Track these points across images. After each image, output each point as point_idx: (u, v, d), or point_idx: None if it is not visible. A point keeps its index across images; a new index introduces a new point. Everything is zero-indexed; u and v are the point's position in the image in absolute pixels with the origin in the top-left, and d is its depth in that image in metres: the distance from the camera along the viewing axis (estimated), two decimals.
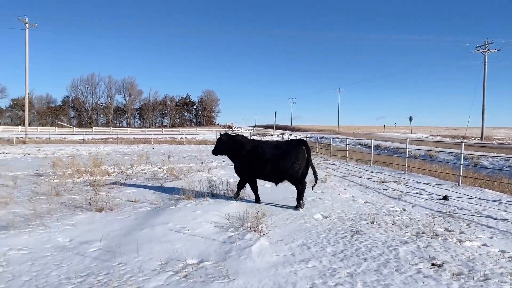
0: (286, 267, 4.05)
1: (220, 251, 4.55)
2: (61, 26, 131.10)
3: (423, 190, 9.47)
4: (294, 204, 7.20)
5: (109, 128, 63.02)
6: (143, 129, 61.59)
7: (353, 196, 8.41)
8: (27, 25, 30.84)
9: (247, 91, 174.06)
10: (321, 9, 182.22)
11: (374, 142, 24.60)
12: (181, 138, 37.54)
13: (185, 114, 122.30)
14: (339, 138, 30.54)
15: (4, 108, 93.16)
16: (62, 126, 76.88)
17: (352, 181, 10.89)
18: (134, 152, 22.97)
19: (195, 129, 62.42)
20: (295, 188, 7.09)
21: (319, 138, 33.17)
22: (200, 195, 7.76)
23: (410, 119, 51.21)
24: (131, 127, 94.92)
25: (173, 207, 6.78)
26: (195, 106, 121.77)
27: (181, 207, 6.73)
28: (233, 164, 7.92)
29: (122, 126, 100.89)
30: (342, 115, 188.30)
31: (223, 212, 6.42)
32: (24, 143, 30.55)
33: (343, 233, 5.42)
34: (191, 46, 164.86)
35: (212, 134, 46.78)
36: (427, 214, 6.73)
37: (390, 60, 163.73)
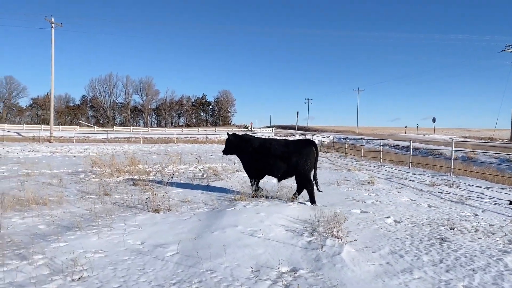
0: (392, 279, 3.70)
1: (308, 258, 4.23)
2: (78, 25, 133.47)
3: (481, 193, 8.98)
4: (357, 209, 6.93)
5: (129, 127, 63.58)
6: (163, 129, 62.01)
7: (412, 200, 8.02)
8: (53, 24, 31.22)
9: (262, 91, 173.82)
10: (341, 9, 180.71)
11: (404, 143, 23.98)
12: (203, 137, 37.63)
13: (201, 114, 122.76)
14: (364, 139, 29.89)
15: (25, 107, 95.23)
16: (83, 125, 78.09)
17: (401, 184, 10.48)
18: (159, 152, 23.16)
19: (214, 129, 62.52)
20: (304, 191, 7.31)
21: (343, 138, 32.61)
22: (251, 195, 7.58)
23: (434, 120, 50.03)
24: (148, 127, 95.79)
25: (232, 208, 6.55)
26: (211, 106, 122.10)
27: (241, 209, 6.50)
28: None
29: (139, 126, 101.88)
30: (359, 116, 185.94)
31: (286, 215, 6.17)
32: (49, 142, 30.97)
33: (428, 240, 5.04)
34: (207, 46, 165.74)
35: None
36: (505, 220, 6.27)
37: (410, 61, 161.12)
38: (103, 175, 10.66)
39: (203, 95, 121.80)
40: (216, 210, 6.55)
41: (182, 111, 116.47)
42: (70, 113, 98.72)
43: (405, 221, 6.10)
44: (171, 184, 9.13)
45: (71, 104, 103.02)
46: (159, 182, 9.52)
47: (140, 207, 6.71)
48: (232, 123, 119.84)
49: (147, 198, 6.67)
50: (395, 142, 25.95)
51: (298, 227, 5.54)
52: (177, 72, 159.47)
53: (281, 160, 7.25)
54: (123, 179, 10.13)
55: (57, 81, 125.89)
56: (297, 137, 38.13)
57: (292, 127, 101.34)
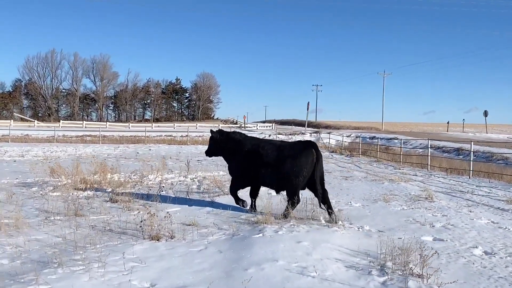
0: None
1: None
2: None
3: None
4: (427, 236, 6.86)
5: (79, 122, 62.94)
6: (126, 124, 61.43)
7: (493, 222, 7.97)
8: None
9: (254, 75, 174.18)
10: None
11: (453, 145, 24.04)
12: (182, 136, 37.32)
13: (174, 104, 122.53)
14: (397, 138, 29.94)
15: None
16: (17, 119, 76.98)
17: (469, 200, 10.44)
18: (127, 155, 23.19)
19: (195, 124, 62.04)
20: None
21: (369, 138, 32.70)
22: (276, 216, 7.49)
23: (485, 114, 50.33)
24: (106, 121, 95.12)
25: (260, 235, 6.39)
26: (187, 94, 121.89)
27: (273, 236, 6.35)
28: None
29: (92, 120, 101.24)
30: (379, 107, 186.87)
31: (338, 245, 6.03)
32: None
33: None
34: (182, 16, 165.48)
35: None
36: None
37: (449, 39, 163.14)
38: (64, 188, 10.41)
39: (177, 79, 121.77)
40: (237, 237, 6.39)
41: (149, 101, 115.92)
42: None
43: (499, 252, 5.99)
44: (163, 199, 8.90)
45: None
46: (145, 197, 9.35)
47: (130, 233, 6.52)
48: (215, 117, 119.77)
49: (142, 221, 6.41)
50: (441, 143, 26.03)
51: (360, 261, 5.38)
52: (141, 48, 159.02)
53: (273, 167, 7.68)
54: (93, 193, 9.95)
55: None
56: (307, 136, 38.17)
57: (294, 122, 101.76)
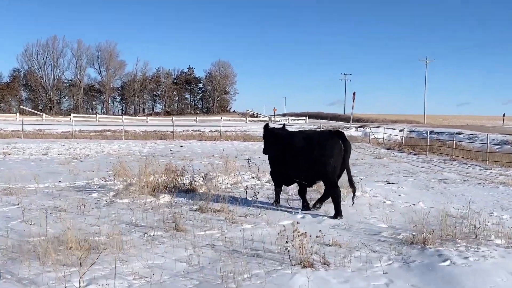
0: None
1: None
2: None
3: None
4: None
5: (93, 115, 62.85)
6: (144, 118, 61.14)
7: None
8: None
9: (271, 64, 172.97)
10: None
11: None
12: (211, 131, 36.75)
13: (187, 96, 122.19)
14: (462, 133, 28.75)
15: None
16: (25, 112, 77.02)
17: None
18: (161, 152, 22.77)
19: (220, 117, 61.71)
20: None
21: (426, 133, 31.52)
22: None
23: None
24: (110, 114, 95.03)
25: (446, 262, 5.52)
26: (201, 85, 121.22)
27: (468, 264, 5.43)
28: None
29: (97, 112, 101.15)
30: (415, 98, 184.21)
31: None
32: None
33: None
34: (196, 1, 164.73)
35: (252, 126, 45.68)
36: None
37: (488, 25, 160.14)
38: (129, 193, 9.66)
39: (190, 68, 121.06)
40: (415, 264, 5.50)
41: (159, 92, 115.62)
42: None
43: None
44: (262, 208, 8.43)
45: None
46: (237, 204, 8.71)
47: (267, 256, 5.69)
48: (232, 110, 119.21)
49: (288, 242, 5.43)
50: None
51: None
52: (151, 35, 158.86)
53: (303, 158, 8.31)
54: (171, 200, 9.36)
55: None
56: (353, 131, 37.14)
57: (320, 116, 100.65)
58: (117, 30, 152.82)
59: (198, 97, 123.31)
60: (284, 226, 5.97)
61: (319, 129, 30.51)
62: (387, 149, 28.00)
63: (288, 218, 7.88)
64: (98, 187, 10.90)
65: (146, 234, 6.56)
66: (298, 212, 8.31)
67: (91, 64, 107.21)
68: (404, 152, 25.62)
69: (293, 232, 5.51)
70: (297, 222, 6.08)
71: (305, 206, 8.67)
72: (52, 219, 7.19)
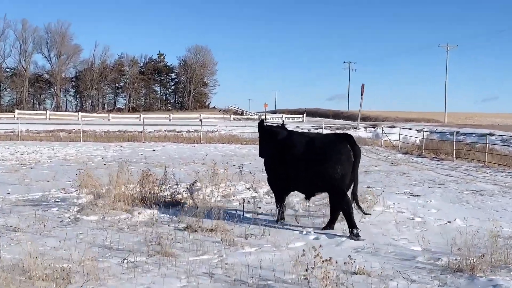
0: None
1: None
2: None
3: None
4: None
5: (43, 112, 62.27)
6: (106, 114, 60.85)
7: None
8: None
9: (257, 52, 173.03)
10: None
11: None
12: (189, 132, 36.80)
13: (157, 88, 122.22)
14: (494, 134, 28.92)
15: None
16: None
17: None
18: (129, 158, 22.48)
19: (198, 114, 61.60)
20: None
21: (451, 134, 31.79)
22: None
23: None
24: (62, 110, 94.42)
25: None
26: (173, 75, 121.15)
27: None
28: None
29: (46, 108, 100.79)
30: (428, 93, 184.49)
31: None
32: None
33: None
34: None
35: (238, 125, 45.59)
36: None
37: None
38: (94, 206, 9.66)
39: (160, 55, 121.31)
40: None
41: (122, 84, 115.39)
42: None
43: None
44: (264, 227, 8.41)
45: None
46: (233, 220, 8.69)
47: (275, 286, 5.67)
48: (212, 106, 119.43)
49: (307, 269, 5.33)
50: None
51: None
52: (111, 13, 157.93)
53: (304, 166, 8.50)
54: (151, 216, 9.33)
55: None
56: (361, 132, 37.30)
57: (317, 113, 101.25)
58: (71, 8, 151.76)
59: (170, 90, 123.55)
60: (303, 250, 5.80)
61: (318, 131, 30.68)
62: (404, 153, 28.22)
63: (298, 239, 7.91)
64: (57, 200, 10.86)
65: (125, 260, 6.46)
66: (310, 233, 8.27)
67: (38, 49, 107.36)
68: (425, 157, 25.85)
69: (314, 257, 5.42)
70: (320, 246, 5.95)
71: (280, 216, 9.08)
72: (5, 241, 7.05)
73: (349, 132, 36.20)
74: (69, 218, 9.12)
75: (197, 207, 9.60)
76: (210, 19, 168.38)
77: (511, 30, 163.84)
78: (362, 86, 42.65)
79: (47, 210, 9.70)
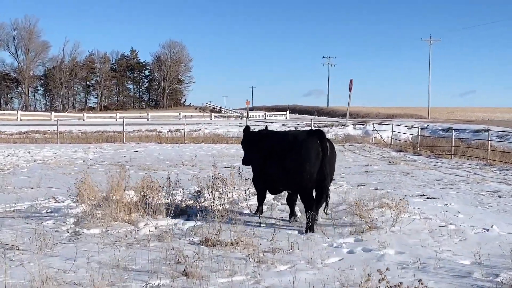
0: None
1: None
2: None
3: None
4: None
5: (13, 112, 61.02)
6: (80, 114, 59.90)
7: None
8: None
9: (232, 46, 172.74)
10: None
11: None
12: (170, 131, 36.58)
13: (129, 86, 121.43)
14: (488, 130, 28.83)
15: None
16: None
17: None
18: (111, 160, 22.59)
19: (178, 113, 61.25)
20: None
21: (443, 130, 31.65)
22: None
23: None
24: (30, 110, 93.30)
25: None
26: (147, 72, 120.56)
27: None
28: None
29: (13, 108, 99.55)
30: (409, 88, 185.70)
31: None
32: None
33: None
34: None
35: (221, 124, 45.02)
36: None
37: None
38: (93, 217, 9.06)
39: (133, 51, 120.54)
40: None
41: (93, 81, 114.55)
42: None
43: None
44: (286, 240, 7.72)
45: None
46: (247, 229, 8.36)
47: None
48: (188, 103, 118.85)
49: None
50: None
51: None
52: (82, 8, 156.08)
53: (278, 164, 8.91)
54: (159, 228, 8.82)
55: None
56: (350, 129, 37.06)
57: (297, 109, 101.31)
58: (39, 3, 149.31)
59: (143, 88, 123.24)
60: (368, 275, 5.13)
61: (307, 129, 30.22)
62: (398, 151, 28.12)
63: (332, 253, 7.34)
64: (49, 211, 10.33)
65: (147, 285, 5.71)
66: (341, 246, 7.63)
67: (4, 46, 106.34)
68: (421, 155, 25.84)
69: (379, 281, 4.78)
70: (387, 269, 5.27)
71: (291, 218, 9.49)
72: (5, 262, 6.33)
73: (338, 129, 36.27)
74: (68, 232, 8.53)
75: (206, 216, 9.04)
76: (184, 14, 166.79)
77: (486, 24, 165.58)
78: (351, 81, 42.47)
79: (41, 223, 9.03)
